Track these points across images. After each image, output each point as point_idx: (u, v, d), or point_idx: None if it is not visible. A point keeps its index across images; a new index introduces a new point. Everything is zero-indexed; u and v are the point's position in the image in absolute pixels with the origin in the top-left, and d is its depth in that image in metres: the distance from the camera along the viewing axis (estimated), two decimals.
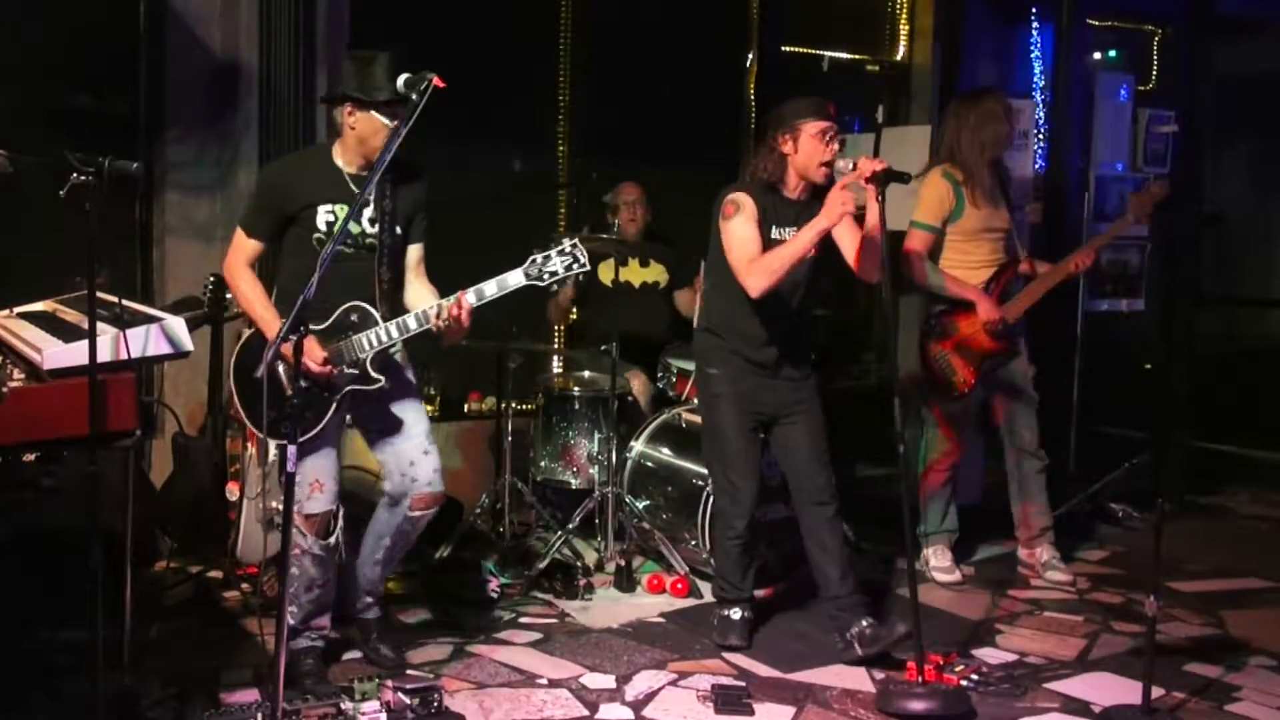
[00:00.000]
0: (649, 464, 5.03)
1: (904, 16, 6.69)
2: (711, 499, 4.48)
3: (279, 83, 4.77)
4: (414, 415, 3.72)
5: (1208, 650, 4.20)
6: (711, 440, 4.20)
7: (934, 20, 6.44)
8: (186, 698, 3.45)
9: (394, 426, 3.69)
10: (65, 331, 3.04)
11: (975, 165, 4.71)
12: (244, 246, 3.62)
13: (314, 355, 3.43)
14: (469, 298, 3.44)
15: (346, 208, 3.53)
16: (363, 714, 3.38)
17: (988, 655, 4.12)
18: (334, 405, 3.54)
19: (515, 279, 3.46)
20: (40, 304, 3.46)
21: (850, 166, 3.83)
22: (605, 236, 5.25)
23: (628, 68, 6.05)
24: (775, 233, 4.00)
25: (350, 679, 3.54)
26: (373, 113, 3.48)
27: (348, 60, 3.61)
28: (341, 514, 3.67)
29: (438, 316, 3.44)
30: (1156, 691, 3.59)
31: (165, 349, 2.99)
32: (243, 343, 3.66)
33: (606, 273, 5.54)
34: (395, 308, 3.61)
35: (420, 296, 3.68)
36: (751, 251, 3.93)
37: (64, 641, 3.62)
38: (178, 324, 3.02)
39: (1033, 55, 6.39)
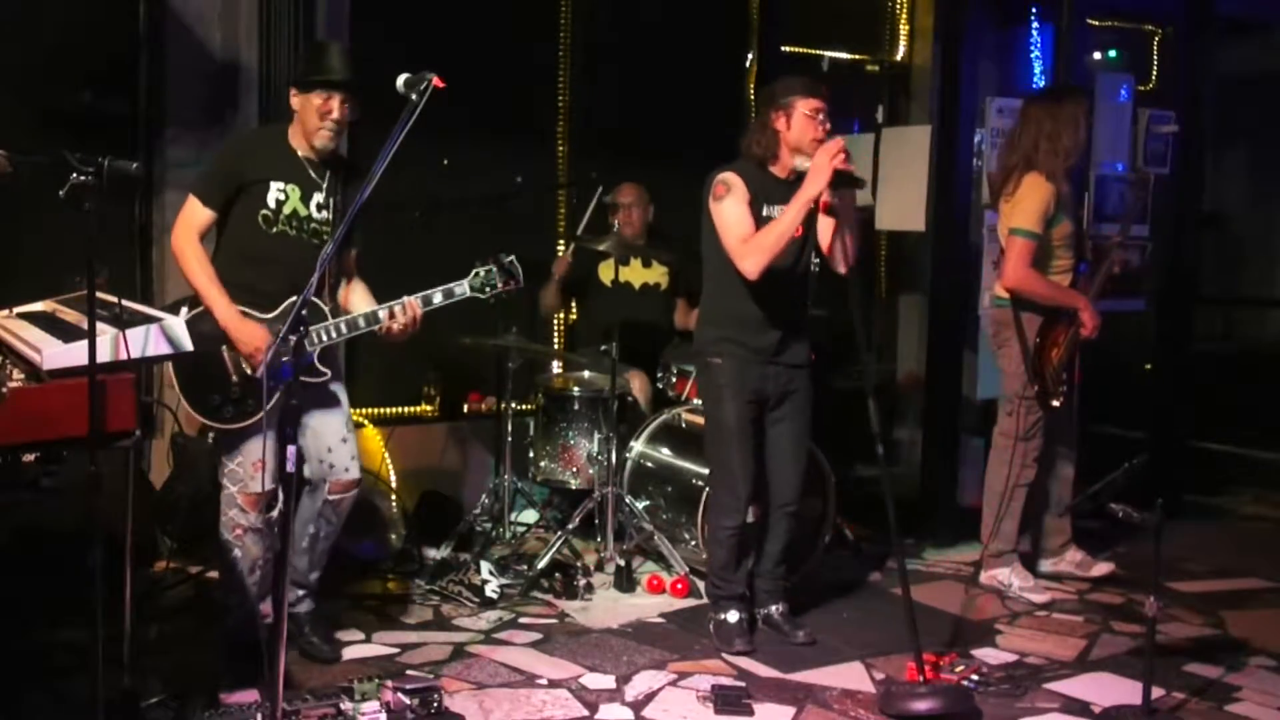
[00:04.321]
0: (649, 464, 5.03)
1: (904, 16, 6.69)
2: (707, 492, 4.47)
3: (279, 83, 4.75)
4: (335, 402, 3.77)
5: (1208, 650, 4.20)
6: (712, 432, 4.17)
7: (934, 20, 6.44)
8: (186, 698, 3.45)
9: (315, 415, 3.73)
10: (65, 331, 3.03)
11: (1056, 172, 4.55)
12: (196, 216, 3.63)
13: (259, 349, 3.50)
14: (419, 304, 3.60)
15: (298, 188, 3.65)
16: (363, 714, 3.38)
17: (988, 655, 4.12)
18: (275, 395, 3.53)
19: (461, 290, 3.65)
20: (40, 304, 3.45)
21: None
22: (604, 236, 5.24)
23: (628, 68, 6.04)
24: (766, 210, 3.99)
25: (350, 679, 3.54)
26: (310, 93, 3.61)
27: (307, 49, 3.68)
28: (279, 491, 3.73)
29: (391, 318, 3.55)
30: (1156, 691, 3.59)
31: (165, 349, 2.98)
32: (185, 322, 3.59)
33: (607, 273, 5.54)
34: (334, 301, 3.77)
35: (357, 293, 3.82)
36: (744, 231, 3.92)
37: (64, 641, 3.61)
38: (177, 324, 3.02)
39: (1033, 55, 6.39)
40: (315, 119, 3.62)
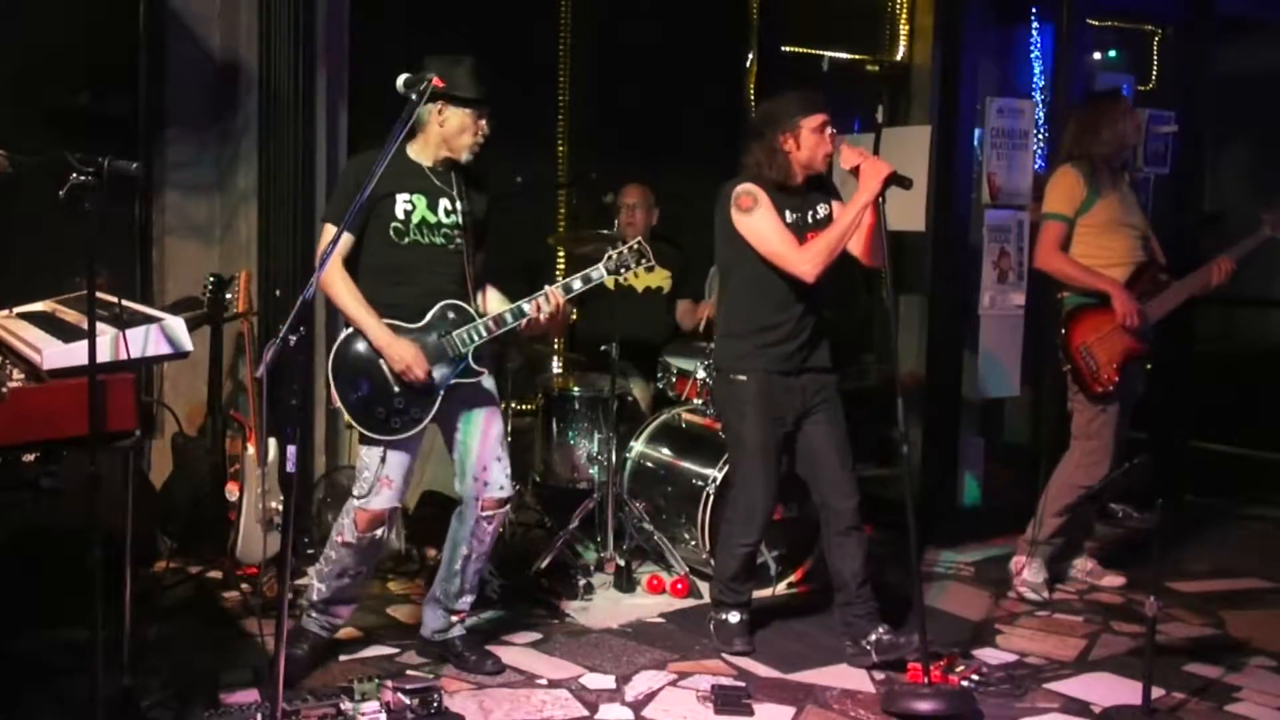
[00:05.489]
0: (649, 464, 5.03)
1: (904, 16, 6.68)
2: (708, 492, 4.55)
3: (279, 83, 4.77)
4: (492, 420, 3.79)
5: (1208, 650, 4.20)
6: (734, 446, 4.16)
7: (934, 20, 6.43)
8: (186, 698, 3.45)
9: (472, 429, 3.76)
10: (65, 332, 3.04)
11: (1094, 161, 4.64)
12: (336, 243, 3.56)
13: (420, 364, 3.54)
14: (560, 293, 3.64)
15: (424, 197, 3.65)
16: (363, 714, 3.38)
17: (988, 655, 4.12)
18: (438, 402, 3.63)
19: (598, 274, 3.70)
20: (40, 304, 3.46)
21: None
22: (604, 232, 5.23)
23: (628, 68, 6.04)
24: (789, 217, 3.98)
25: (350, 679, 3.54)
26: (463, 110, 3.62)
27: (432, 61, 3.61)
28: (398, 513, 3.77)
29: (537, 311, 3.61)
30: (1156, 691, 3.60)
31: (165, 349, 2.99)
32: (341, 341, 3.61)
33: None
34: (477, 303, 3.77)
35: (492, 296, 3.83)
36: (786, 237, 3.92)
37: (64, 641, 3.62)
38: (177, 324, 3.02)
39: (1033, 55, 6.38)
40: (470, 135, 3.66)
